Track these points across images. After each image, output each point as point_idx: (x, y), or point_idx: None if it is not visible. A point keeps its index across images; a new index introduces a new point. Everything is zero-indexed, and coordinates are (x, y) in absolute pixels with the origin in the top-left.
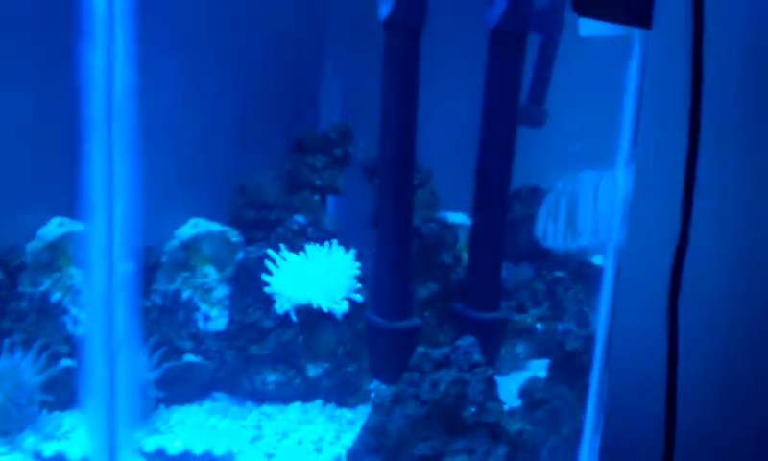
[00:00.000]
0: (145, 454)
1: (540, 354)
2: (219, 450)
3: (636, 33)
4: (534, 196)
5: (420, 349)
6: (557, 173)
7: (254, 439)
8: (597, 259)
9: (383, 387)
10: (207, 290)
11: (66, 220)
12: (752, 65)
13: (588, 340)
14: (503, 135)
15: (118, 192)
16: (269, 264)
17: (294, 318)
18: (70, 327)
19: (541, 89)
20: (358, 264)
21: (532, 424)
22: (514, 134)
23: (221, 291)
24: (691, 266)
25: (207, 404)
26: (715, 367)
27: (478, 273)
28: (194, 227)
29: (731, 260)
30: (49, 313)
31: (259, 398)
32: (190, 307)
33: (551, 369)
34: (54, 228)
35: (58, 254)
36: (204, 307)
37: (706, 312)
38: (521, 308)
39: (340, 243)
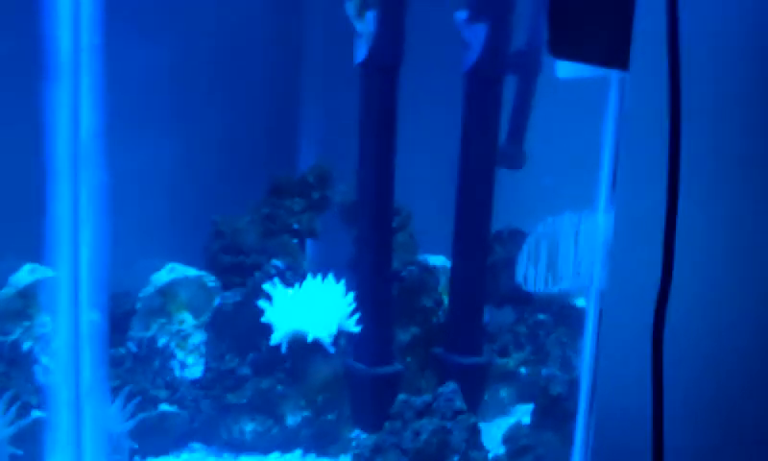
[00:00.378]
0: None
1: (523, 399)
2: None
3: (614, 75)
4: (515, 238)
5: (402, 396)
6: (537, 215)
7: None
8: (580, 302)
9: (364, 436)
10: (184, 337)
11: (38, 266)
12: (730, 107)
13: (573, 384)
14: (481, 178)
15: (84, 239)
16: (267, 293)
17: (283, 349)
18: (41, 377)
19: (520, 131)
20: (351, 294)
21: None
22: (492, 177)
23: (197, 338)
24: (674, 308)
25: (184, 455)
26: (701, 408)
27: (459, 317)
28: (170, 272)
29: (713, 301)
30: (19, 363)
31: (237, 448)
32: (166, 355)
33: (535, 414)
34: (25, 274)
35: (29, 301)
36: (180, 355)
37: (690, 354)
38: (504, 352)
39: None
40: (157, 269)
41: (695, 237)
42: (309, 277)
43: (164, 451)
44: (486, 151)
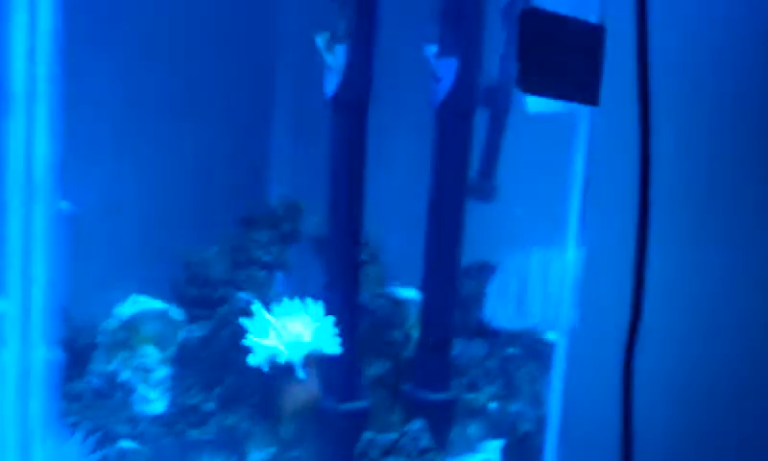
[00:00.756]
0: None
1: (493, 435)
2: None
3: (584, 110)
4: (485, 272)
5: (368, 434)
6: (507, 249)
7: None
8: (550, 335)
9: None
10: (147, 371)
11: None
12: (701, 143)
13: (542, 421)
14: (452, 211)
15: (37, 273)
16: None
17: (265, 369)
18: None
19: (490, 165)
20: (332, 318)
21: None
22: (462, 210)
23: (161, 372)
24: (644, 343)
25: None
26: (670, 445)
27: (428, 351)
28: (134, 304)
29: (683, 337)
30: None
31: None
32: (128, 389)
33: (505, 452)
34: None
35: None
36: (142, 389)
37: (660, 390)
38: (474, 387)
39: None
40: (121, 301)
41: (665, 273)
42: (286, 300)
43: None
44: (456, 184)
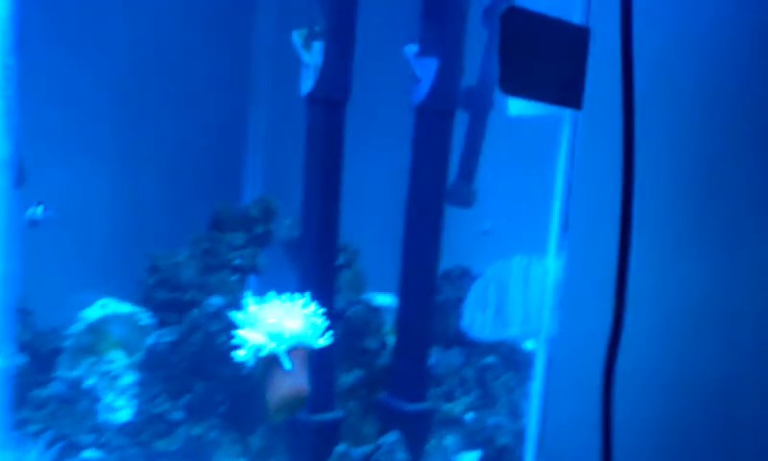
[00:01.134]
0: None
1: (470, 446)
2: None
3: (567, 113)
4: (464, 278)
5: (341, 447)
6: (487, 255)
7: None
8: (528, 345)
9: None
10: (113, 377)
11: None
12: (686, 148)
13: (520, 434)
14: (430, 215)
15: None
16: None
17: (251, 362)
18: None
19: (470, 169)
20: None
21: None
22: (441, 214)
23: (128, 379)
24: (625, 353)
25: None
26: (650, 456)
27: (404, 360)
28: (102, 308)
29: (664, 347)
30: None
31: None
32: (93, 397)
33: None
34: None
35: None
36: (108, 397)
37: (639, 402)
38: (450, 396)
39: None
40: (88, 304)
41: (647, 281)
42: (273, 294)
43: None
44: (435, 187)
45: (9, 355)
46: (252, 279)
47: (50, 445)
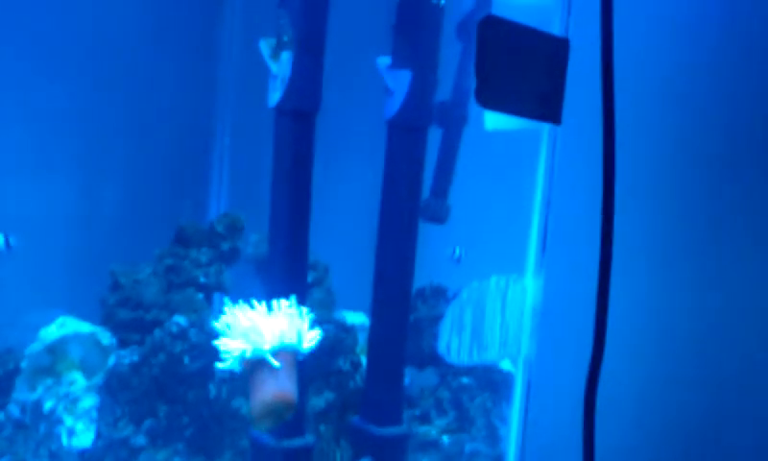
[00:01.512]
0: None
1: None
2: None
3: (545, 128)
4: (439, 296)
5: None
6: (462, 272)
7: None
8: (505, 365)
9: None
10: (73, 400)
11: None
12: (670, 161)
13: (499, 459)
14: (403, 231)
15: None
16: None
17: (237, 369)
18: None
19: (444, 184)
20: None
21: None
22: (415, 230)
23: (89, 401)
24: (606, 377)
25: None
26: None
27: (377, 382)
28: (61, 327)
29: (645, 370)
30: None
31: None
32: (52, 420)
33: None
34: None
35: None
36: (68, 421)
37: (622, 424)
38: (426, 418)
39: None
40: (47, 323)
41: (629, 302)
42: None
43: None
44: (408, 203)
45: None
46: (216, 297)
47: None
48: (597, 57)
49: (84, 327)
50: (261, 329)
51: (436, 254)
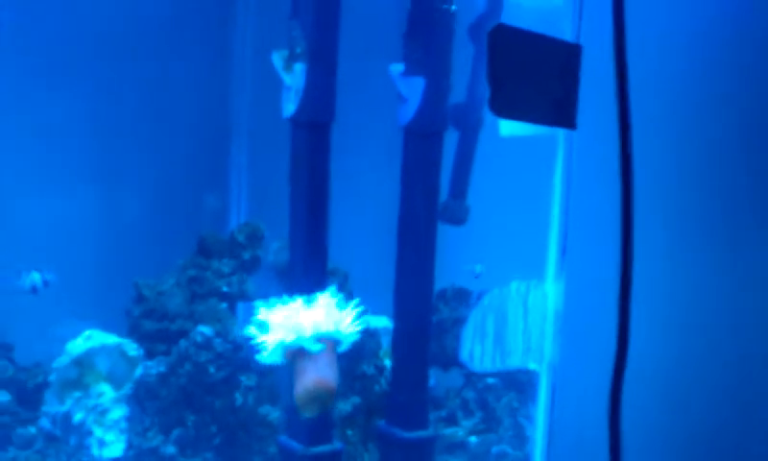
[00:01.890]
0: None
1: None
2: None
3: (561, 132)
4: (461, 297)
5: None
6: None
7: None
8: (531, 365)
9: None
10: (102, 412)
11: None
12: (687, 161)
13: (527, 459)
14: (422, 235)
15: None
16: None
17: (280, 362)
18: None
19: (462, 185)
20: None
21: None
22: (434, 233)
23: (117, 412)
24: (631, 376)
25: None
26: None
27: (402, 386)
28: (87, 340)
29: (669, 370)
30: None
31: None
32: (82, 432)
33: None
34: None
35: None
36: (98, 432)
37: (647, 425)
38: (452, 419)
39: None
40: (73, 336)
41: (651, 300)
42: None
43: None
44: (427, 207)
45: None
46: (240, 306)
47: None
48: (610, 57)
49: (111, 340)
50: (300, 319)
51: (456, 257)
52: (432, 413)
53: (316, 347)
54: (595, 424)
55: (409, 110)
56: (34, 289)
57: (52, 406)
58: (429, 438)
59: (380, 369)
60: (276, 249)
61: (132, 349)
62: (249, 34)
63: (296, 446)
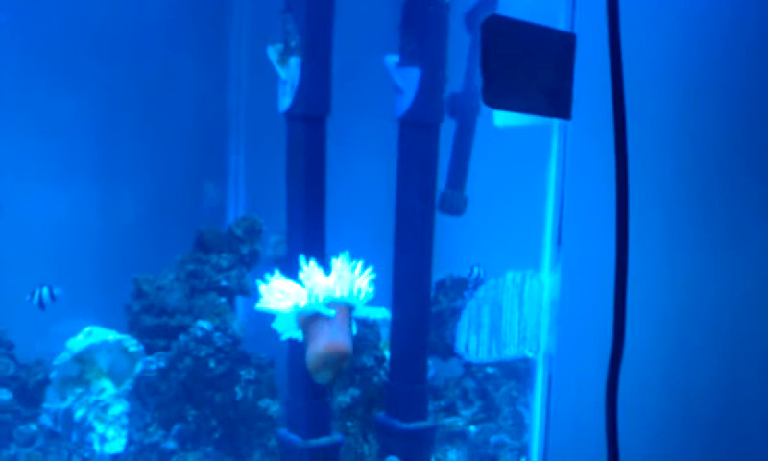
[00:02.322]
0: None
1: (474, 460)
2: None
3: (556, 122)
4: (460, 287)
5: None
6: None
7: None
8: (529, 353)
9: None
10: (103, 407)
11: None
12: (683, 152)
13: (524, 450)
14: (420, 226)
15: None
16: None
17: (295, 328)
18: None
19: (460, 176)
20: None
21: None
22: (431, 224)
23: (118, 408)
24: (627, 366)
25: None
26: None
27: (401, 377)
28: (88, 336)
29: (665, 360)
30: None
31: None
32: (84, 428)
33: None
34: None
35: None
36: (99, 428)
37: (645, 413)
38: (452, 409)
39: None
40: (73, 333)
41: (646, 291)
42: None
43: None
44: (424, 198)
45: None
46: (239, 300)
47: None
48: (605, 46)
49: (111, 336)
50: (313, 284)
51: (453, 247)
52: (432, 403)
53: (329, 312)
54: (592, 414)
55: (405, 102)
56: (41, 304)
57: (53, 403)
58: (429, 428)
59: (380, 360)
60: (274, 242)
61: (133, 344)
62: (245, 28)
63: (295, 438)
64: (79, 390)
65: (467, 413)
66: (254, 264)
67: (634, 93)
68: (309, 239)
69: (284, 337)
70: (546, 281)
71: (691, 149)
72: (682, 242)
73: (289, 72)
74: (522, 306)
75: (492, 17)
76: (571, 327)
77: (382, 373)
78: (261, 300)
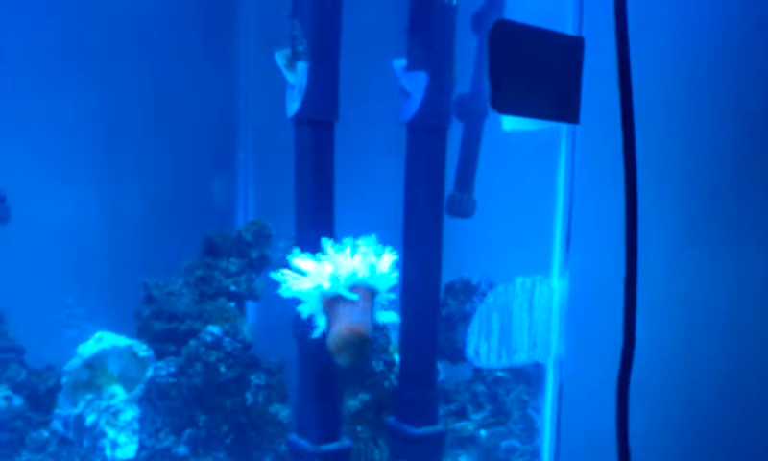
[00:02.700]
0: None
1: None
2: None
3: (564, 126)
4: (469, 291)
5: None
6: (489, 266)
7: None
8: (538, 359)
9: None
10: (114, 413)
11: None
12: (692, 156)
13: (535, 455)
14: (428, 229)
15: None
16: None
17: (319, 310)
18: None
19: (468, 178)
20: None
21: None
22: (440, 227)
23: (130, 413)
24: (638, 368)
25: None
26: None
27: (411, 382)
28: (98, 342)
29: (676, 362)
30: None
31: None
32: (95, 434)
33: None
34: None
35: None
36: (111, 433)
37: (655, 418)
38: (462, 413)
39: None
40: (84, 339)
41: (656, 297)
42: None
43: None
44: (432, 202)
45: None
46: (249, 304)
47: None
48: (613, 51)
49: (122, 341)
50: (336, 266)
51: (463, 250)
52: (442, 407)
53: (352, 295)
54: (603, 417)
55: (412, 105)
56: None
57: (64, 409)
58: (439, 433)
59: (389, 364)
60: (284, 246)
61: (143, 350)
62: (252, 32)
63: (306, 444)
64: (90, 396)
65: (477, 417)
66: (264, 269)
67: (642, 97)
68: (318, 244)
69: (305, 315)
70: (556, 286)
71: (699, 153)
72: (690, 245)
73: (297, 77)
74: (532, 312)
75: (501, 22)
76: (581, 331)
77: (392, 377)
78: (285, 283)
